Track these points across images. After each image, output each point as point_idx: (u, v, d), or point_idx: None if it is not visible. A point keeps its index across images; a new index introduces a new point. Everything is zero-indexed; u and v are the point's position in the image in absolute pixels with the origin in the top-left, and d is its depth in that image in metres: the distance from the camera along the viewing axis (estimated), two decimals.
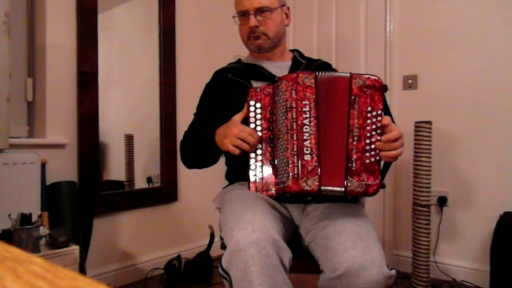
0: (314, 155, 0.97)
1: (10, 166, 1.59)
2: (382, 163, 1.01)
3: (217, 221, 1.17)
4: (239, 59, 1.41)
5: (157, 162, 2.32)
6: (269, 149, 1.07)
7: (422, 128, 1.94)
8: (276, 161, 1.04)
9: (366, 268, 0.88)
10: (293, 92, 1.00)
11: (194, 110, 1.37)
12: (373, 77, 1.00)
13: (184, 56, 2.44)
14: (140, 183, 2.26)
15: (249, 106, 1.09)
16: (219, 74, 1.35)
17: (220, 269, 0.92)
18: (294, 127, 0.99)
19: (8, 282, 0.28)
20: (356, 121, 0.98)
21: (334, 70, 1.20)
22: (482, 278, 2.01)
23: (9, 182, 1.58)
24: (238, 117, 1.10)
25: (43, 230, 1.50)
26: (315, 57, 1.43)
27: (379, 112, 0.98)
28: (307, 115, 0.99)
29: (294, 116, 0.99)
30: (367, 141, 0.98)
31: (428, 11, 2.23)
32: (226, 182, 1.33)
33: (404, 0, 2.32)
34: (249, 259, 0.84)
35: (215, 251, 2.11)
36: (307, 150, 0.97)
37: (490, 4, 2.04)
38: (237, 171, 1.25)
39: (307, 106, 0.99)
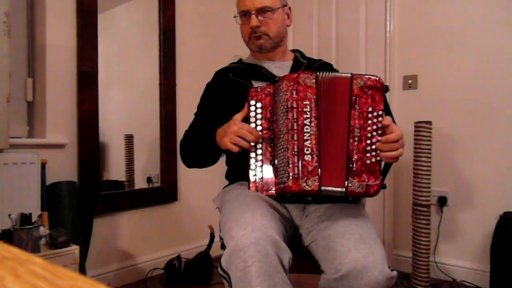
0: (314, 155, 0.97)
1: (10, 166, 1.59)
2: (383, 163, 1.01)
3: (217, 221, 1.17)
4: (240, 59, 1.42)
5: (157, 162, 2.32)
6: (269, 149, 1.07)
7: (422, 128, 1.94)
8: (276, 161, 1.04)
9: (369, 269, 0.88)
10: (294, 92, 1.00)
11: (194, 110, 1.37)
12: (374, 78, 1.00)
13: (184, 56, 2.44)
14: (140, 183, 2.26)
15: (249, 105, 1.09)
16: (220, 74, 1.35)
17: (219, 269, 0.92)
18: (295, 127, 0.99)
19: (8, 282, 0.28)
20: (357, 121, 0.98)
21: (335, 71, 1.21)
22: (482, 278, 2.01)
23: (9, 182, 1.58)
24: (238, 116, 1.10)
25: (43, 230, 1.49)
26: (315, 57, 1.44)
27: (380, 112, 0.98)
28: (308, 115, 0.99)
29: (295, 116, 0.99)
30: (368, 141, 0.98)
31: (428, 11, 2.23)
32: (226, 182, 1.33)
33: (404, 0, 2.32)
34: (248, 259, 0.84)
35: (215, 251, 2.11)
36: (307, 150, 0.97)
37: (490, 4, 2.04)
38: (237, 171, 1.25)
39: (308, 106, 0.99)
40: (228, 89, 1.28)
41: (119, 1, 2.24)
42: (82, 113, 1.91)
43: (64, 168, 1.86)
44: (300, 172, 0.96)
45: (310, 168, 0.96)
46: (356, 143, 0.98)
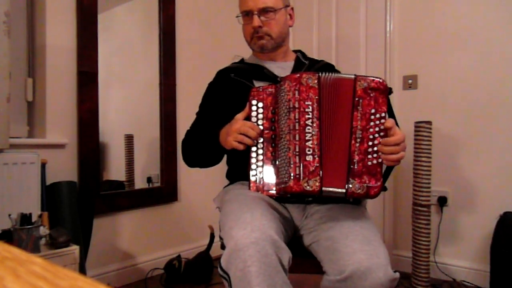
0: (316, 156, 0.97)
1: (10, 166, 1.59)
2: (384, 166, 1.01)
3: (217, 221, 1.17)
4: (242, 59, 1.42)
5: (157, 162, 2.32)
6: (270, 149, 1.07)
7: (422, 128, 1.94)
8: (277, 161, 1.04)
9: (373, 271, 0.88)
10: (296, 92, 1.00)
11: (194, 110, 1.37)
12: (378, 80, 1.00)
13: (184, 56, 2.44)
14: (140, 183, 2.26)
15: (251, 105, 1.09)
16: (222, 74, 1.35)
17: (219, 269, 0.92)
18: (297, 128, 0.99)
19: (8, 282, 0.28)
20: (359, 123, 0.98)
21: (337, 72, 1.21)
22: (482, 278, 2.01)
23: (9, 182, 1.58)
24: (240, 116, 1.10)
25: (43, 230, 1.49)
26: (315, 57, 1.44)
27: (383, 114, 0.98)
28: (310, 116, 0.99)
29: (297, 117, 0.99)
30: (370, 143, 0.98)
31: (428, 11, 2.23)
32: (226, 182, 1.33)
33: (404, 0, 2.32)
34: (248, 259, 0.84)
35: (215, 251, 2.11)
36: (309, 150, 0.97)
37: (491, 4, 2.04)
38: (238, 170, 1.25)
39: (310, 107, 0.99)
40: (230, 89, 1.28)
41: (119, 1, 2.24)
42: (82, 113, 1.91)
43: (64, 168, 1.86)
44: (301, 172, 0.96)
45: (311, 169, 0.96)
46: (358, 144, 0.98)
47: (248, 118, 1.09)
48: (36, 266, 0.32)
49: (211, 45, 2.61)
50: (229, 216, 1.00)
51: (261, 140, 1.07)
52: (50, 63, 1.82)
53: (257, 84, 1.24)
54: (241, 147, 1.06)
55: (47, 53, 1.81)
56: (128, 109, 2.26)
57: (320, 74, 1.02)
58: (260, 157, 1.07)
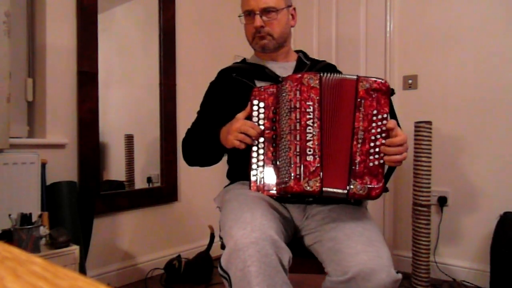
0: (316, 156, 0.97)
1: (10, 166, 1.59)
2: (386, 167, 1.01)
3: (217, 221, 1.17)
4: (244, 59, 1.42)
5: (157, 162, 2.32)
6: (271, 149, 1.06)
7: (422, 128, 1.94)
8: (278, 161, 1.04)
9: (377, 272, 0.88)
10: (298, 92, 1.00)
11: (194, 110, 1.37)
12: (380, 80, 1.00)
13: (184, 56, 2.44)
14: (140, 183, 2.26)
15: (252, 105, 1.09)
16: (223, 73, 1.35)
17: (219, 269, 0.92)
18: (298, 128, 0.98)
19: (8, 282, 0.28)
20: (361, 123, 0.98)
21: (339, 72, 1.21)
22: (482, 278, 2.01)
23: (9, 182, 1.58)
24: (241, 115, 1.10)
25: (43, 230, 1.49)
26: (315, 57, 1.44)
27: (385, 115, 0.98)
28: (311, 116, 0.99)
29: (298, 117, 0.99)
30: (372, 144, 0.97)
31: (428, 11, 2.23)
32: (226, 182, 1.33)
33: (404, 0, 2.32)
34: (248, 259, 0.84)
35: (215, 251, 2.11)
36: (309, 151, 0.97)
37: (491, 4, 2.04)
38: (239, 170, 1.25)
39: (311, 107, 0.99)
40: (231, 88, 1.28)
41: (119, 1, 2.24)
42: (82, 113, 1.91)
43: (64, 168, 1.86)
44: (302, 172, 0.96)
45: (312, 169, 0.96)
46: (359, 145, 0.97)
47: (249, 117, 1.09)
48: (36, 266, 0.32)
49: (211, 45, 2.61)
50: (229, 215, 1.00)
51: (262, 140, 1.07)
52: (50, 63, 1.82)
53: (258, 84, 1.24)
54: (242, 146, 1.06)
55: (47, 53, 1.81)
56: (128, 109, 2.26)
57: (321, 74, 1.01)
58: (261, 157, 1.07)
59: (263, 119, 1.08)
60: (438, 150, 2.15)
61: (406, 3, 2.31)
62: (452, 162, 2.16)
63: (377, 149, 0.97)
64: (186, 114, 2.40)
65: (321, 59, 1.42)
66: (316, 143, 0.98)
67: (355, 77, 1.01)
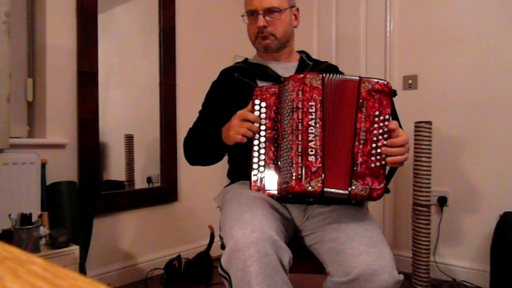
0: (318, 157, 0.97)
1: (10, 166, 1.59)
2: (387, 168, 1.01)
3: (217, 221, 1.17)
4: (246, 59, 1.42)
5: (157, 162, 2.32)
6: (272, 148, 1.06)
7: (422, 128, 1.94)
8: (279, 161, 1.04)
9: (379, 273, 0.88)
10: (300, 92, 1.00)
11: (194, 110, 1.37)
12: (382, 82, 1.00)
13: (184, 56, 2.44)
14: (140, 183, 2.26)
15: (254, 104, 1.08)
16: (225, 73, 1.35)
17: (219, 269, 0.92)
18: (300, 128, 0.98)
19: (8, 282, 0.28)
20: (363, 124, 0.98)
21: (341, 73, 1.21)
22: (482, 278, 2.01)
23: (9, 182, 1.58)
24: (241, 112, 1.10)
25: (43, 230, 1.49)
26: (315, 57, 1.44)
27: (387, 116, 0.98)
28: (313, 116, 0.99)
29: (300, 117, 0.99)
30: (373, 145, 0.98)
31: (428, 11, 2.23)
32: (226, 182, 1.33)
33: (404, 0, 2.32)
34: (248, 259, 0.84)
35: (215, 251, 2.11)
36: (311, 151, 0.97)
37: (491, 4, 2.04)
38: (240, 170, 1.25)
39: (313, 107, 0.99)
40: (233, 88, 1.28)
41: (119, 1, 2.24)
42: (82, 113, 1.91)
43: (64, 168, 1.86)
44: (303, 172, 0.96)
45: (313, 169, 0.96)
46: (361, 146, 0.97)
47: None
48: (36, 266, 0.32)
49: (211, 45, 2.61)
50: (229, 215, 1.00)
51: (263, 139, 1.07)
52: (50, 63, 1.82)
53: (260, 84, 1.24)
54: (244, 140, 1.05)
55: (47, 53, 1.81)
56: (128, 109, 2.26)
57: (324, 75, 1.02)
58: (262, 157, 1.07)
59: (265, 118, 1.08)
60: (438, 150, 2.15)
61: (406, 3, 2.31)
62: (452, 162, 2.16)
63: (379, 150, 0.97)
64: (186, 114, 2.40)
65: (323, 60, 1.42)
66: (318, 144, 0.98)
67: (358, 78, 1.01)
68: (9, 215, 1.39)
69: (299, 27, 1.38)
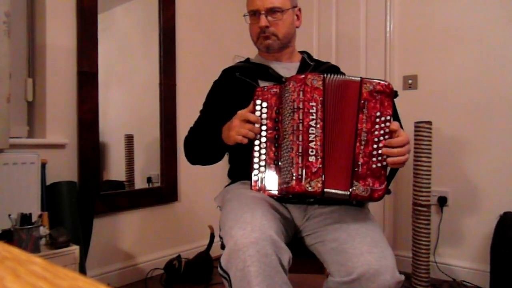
0: (319, 157, 0.97)
1: (10, 166, 1.59)
2: (388, 169, 1.01)
3: (217, 221, 1.17)
4: (248, 59, 1.42)
5: (157, 162, 2.32)
6: (273, 149, 1.06)
7: (422, 128, 1.94)
8: (280, 161, 1.04)
9: (381, 273, 0.88)
10: (301, 93, 1.00)
11: (194, 110, 1.37)
12: (384, 83, 1.00)
13: (184, 56, 2.44)
14: (140, 183, 2.26)
15: (255, 104, 1.08)
16: (227, 72, 1.35)
17: (219, 269, 0.92)
18: (300, 128, 0.98)
19: (8, 282, 0.28)
20: (364, 125, 0.98)
21: (343, 74, 1.21)
22: (482, 278, 2.01)
23: (9, 182, 1.58)
24: (242, 111, 1.10)
25: (43, 230, 1.49)
26: (315, 57, 1.44)
27: (388, 117, 0.98)
28: (314, 117, 0.99)
29: (301, 117, 0.99)
30: (375, 146, 0.97)
31: (428, 11, 2.23)
32: (226, 182, 1.33)
33: (404, 0, 2.32)
34: (247, 259, 0.84)
35: (215, 251, 2.11)
36: (312, 151, 0.97)
37: (491, 4, 2.04)
38: (240, 169, 1.26)
39: (314, 108, 0.99)
40: (235, 88, 1.28)
41: (119, 1, 2.24)
42: (82, 113, 1.91)
43: (64, 168, 1.86)
44: (303, 173, 0.96)
45: (314, 170, 0.96)
46: (362, 147, 0.97)
47: None
48: (36, 266, 0.32)
49: (211, 45, 2.61)
50: (229, 215, 1.00)
51: (264, 140, 1.07)
52: (50, 63, 1.82)
53: (262, 84, 1.24)
54: (244, 140, 1.05)
55: (47, 53, 1.81)
56: (128, 109, 2.26)
57: (325, 75, 1.02)
58: (263, 157, 1.07)
59: (266, 119, 1.08)
60: (438, 150, 2.15)
61: (406, 3, 2.31)
62: (452, 162, 2.16)
63: (379, 151, 0.97)
64: (186, 114, 2.40)
65: (325, 61, 1.42)
66: (319, 144, 0.98)
67: (359, 78, 1.01)
68: (9, 215, 1.39)
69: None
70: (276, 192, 1.06)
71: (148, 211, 2.25)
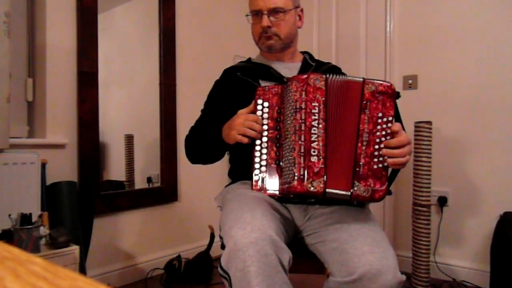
0: (321, 157, 0.97)
1: (10, 166, 1.59)
2: (390, 170, 1.01)
3: (217, 221, 1.17)
4: (249, 58, 1.42)
5: (157, 162, 2.32)
6: (274, 148, 1.06)
7: (422, 128, 1.94)
8: (281, 161, 1.04)
9: (383, 273, 0.88)
10: (303, 93, 1.00)
11: (194, 110, 1.37)
12: (386, 83, 1.00)
13: (184, 56, 2.44)
14: (140, 183, 2.26)
15: (256, 104, 1.08)
16: (228, 72, 1.36)
17: (219, 269, 0.92)
18: (302, 128, 0.98)
19: (8, 282, 0.28)
20: (366, 126, 0.98)
21: (344, 75, 1.21)
22: (482, 278, 2.01)
23: (9, 182, 1.58)
24: (243, 111, 1.10)
25: (43, 230, 1.50)
26: (315, 57, 1.44)
27: (390, 118, 0.98)
28: (316, 117, 0.99)
29: (303, 117, 0.99)
30: (376, 146, 0.98)
31: (428, 11, 2.23)
32: (226, 182, 1.33)
33: (404, 0, 2.32)
34: (247, 259, 0.84)
35: (215, 251, 2.11)
36: (314, 151, 0.97)
37: (491, 4, 2.04)
38: (241, 169, 1.26)
39: (316, 108, 0.99)
40: (236, 87, 1.28)
41: (119, 1, 2.24)
42: (82, 113, 1.91)
43: (64, 168, 1.86)
44: (305, 173, 0.96)
45: (315, 170, 0.96)
46: (364, 147, 0.97)
47: None
48: (36, 266, 0.32)
49: (211, 45, 2.61)
50: (229, 215, 1.00)
51: (265, 139, 1.07)
52: (50, 63, 1.82)
53: (263, 83, 1.24)
54: (245, 140, 1.05)
55: (47, 53, 1.81)
56: (128, 109, 2.26)
57: (327, 75, 1.02)
58: (264, 157, 1.07)
59: (267, 118, 1.08)
60: (438, 150, 2.15)
61: (406, 3, 2.31)
62: (452, 162, 2.16)
63: (381, 152, 0.97)
64: (186, 114, 2.40)
65: (326, 61, 1.42)
66: (321, 144, 0.98)
67: (361, 79, 1.01)
68: (9, 215, 1.39)
69: None
70: (277, 192, 1.06)
71: (148, 211, 2.25)
